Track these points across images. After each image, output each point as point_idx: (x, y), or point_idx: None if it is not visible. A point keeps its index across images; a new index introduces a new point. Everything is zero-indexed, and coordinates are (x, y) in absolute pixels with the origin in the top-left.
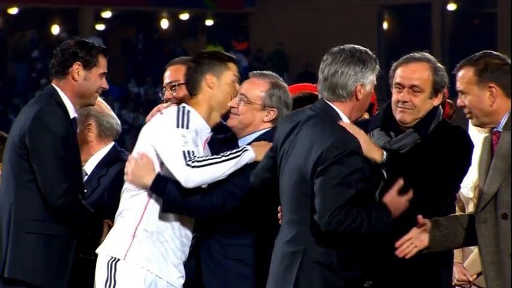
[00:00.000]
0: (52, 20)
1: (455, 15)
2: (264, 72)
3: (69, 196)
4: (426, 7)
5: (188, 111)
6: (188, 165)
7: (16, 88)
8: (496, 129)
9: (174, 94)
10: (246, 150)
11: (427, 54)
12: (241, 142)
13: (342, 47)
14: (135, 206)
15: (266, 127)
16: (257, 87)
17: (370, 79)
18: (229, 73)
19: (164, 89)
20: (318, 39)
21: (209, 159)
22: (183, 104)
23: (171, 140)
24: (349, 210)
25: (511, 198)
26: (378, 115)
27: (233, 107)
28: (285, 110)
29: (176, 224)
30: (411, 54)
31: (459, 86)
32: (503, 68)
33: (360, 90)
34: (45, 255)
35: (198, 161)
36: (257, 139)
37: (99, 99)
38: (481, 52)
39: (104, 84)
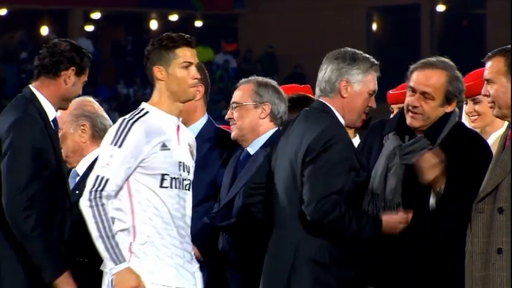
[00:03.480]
0: (41, 21)
1: (444, 17)
2: (249, 78)
3: (29, 209)
4: (415, 8)
5: (137, 119)
6: (89, 198)
7: (5, 90)
8: None
9: None
10: (120, 263)
11: (446, 61)
12: (251, 147)
13: (341, 49)
14: (125, 224)
15: (268, 127)
16: (243, 90)
17: (357, 78)
18: (178, 60)
19: None
20: (307, 40)
21: (104, 221)
22: (142, 106)
23: (99, 157)
24: (337, 202)
25: (511, 193)
26: (394, 118)
27: (230, 119)
28: (278, 103)
29: (161, 229)
30: (430, 58)
31: (487, 74)
32: None
33: (345, 88)
34: (11, 265)
35: (98, 207)
36: (266, 143)
37: (92, 100)
38: None
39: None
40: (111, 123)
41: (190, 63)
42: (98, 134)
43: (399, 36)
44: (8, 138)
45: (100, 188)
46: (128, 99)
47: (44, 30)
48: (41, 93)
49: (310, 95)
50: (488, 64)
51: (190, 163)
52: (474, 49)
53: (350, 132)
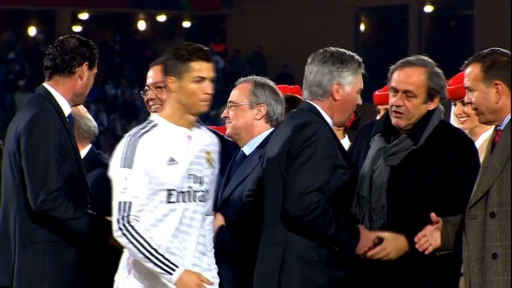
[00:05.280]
0: (29, 21)
1: (432, 17)
2: (248, 77)
3: (55, 200)
4: (403, 9)
5: (142, 134)
6: (119, 227)
7: None
8: (498, 127)
9: (159, 95)
10: (174, 271)
11: (425, 58)
12: (247, 148)
13: (326, 48)
14: None
15: (264, 128)
16: (240, 90)
17: (348, 80)
18: (191, 74)
19: (147, 88)
20: (295, 40)
21: (141, 241)
22: (152, 117)
23: (114, 183)
24: (319, 200)
25: (511, 198)
26: (380, 120)
27: (226, 117)
28: (274, 104)
29: (162, 248)
30: (408, 57)
31: (466, 82)
32: (510, 65)
33: (337, 90)
34: (54, 265)
35: (130, 232)
36: (262, 143)
37: None
38: (489, 49)
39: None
40: (96, 124)
41: (203, 78)
42: (82, 135)
43: (387, 37)
44: (27, 134)
45: (126, 214)
46: (116, 100)
47: (32, 31)
48: (56, 91)
49: (299, 96)
50: (466, 72)
51: (205, 173)
52: (462, 50)
53: (339, 133)
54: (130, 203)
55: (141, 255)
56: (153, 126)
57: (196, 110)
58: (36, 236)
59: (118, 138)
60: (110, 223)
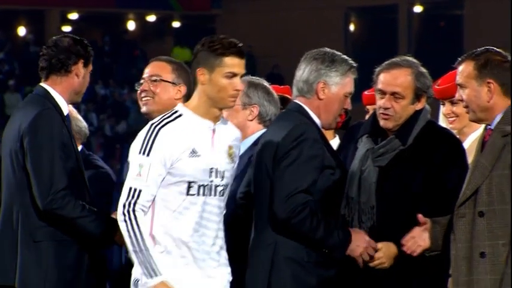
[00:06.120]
0: (18, 21)
1: (421, 17)
2: (243, 77)
3: (63, 199)
4: (393, 9)
5: (165, 123)
6: (123, 211)
7: None
8: (489, 126)
9: (152, 88)
10: (156, 276)
11: (410, 59)
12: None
13: (321, 48)
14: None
15: (256, 129)
16: None
17: (335, 80)
18: (223, 69)
19: (142, 81)
20: (285, 40)
21: (137, 234)
22: (177, 107)
23: (130, 167)
24: (306, 202)
25: (511, 196)
26: (368, 121)
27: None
28: (267, 105)
29: (181, 241)
30: (394, 59)
31: (458, 79)
32: (504, 65)
33: (322, 89)
34: (57, 264)
35: (132, 220)
36: (254, 144)
37: None
38: (483, 48)
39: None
40: (86, 125)
41: (235, 74)
42: (73, 136)
43: (377, 37)
44: (31, 133)
45: (133, 201)
46: (105, 100)
47: (21, 31)
48: (54, 90)
49: (288, 96)
50: (459, 69)
51: (226, 167)
52: (451, 50)
53: (330, 133)
54: (140, 190)
55: (131, 247)
56: (177, 117)
57: (223, 105)
58: (39, 235)
59: (108, 138)
60: (114, 221)
